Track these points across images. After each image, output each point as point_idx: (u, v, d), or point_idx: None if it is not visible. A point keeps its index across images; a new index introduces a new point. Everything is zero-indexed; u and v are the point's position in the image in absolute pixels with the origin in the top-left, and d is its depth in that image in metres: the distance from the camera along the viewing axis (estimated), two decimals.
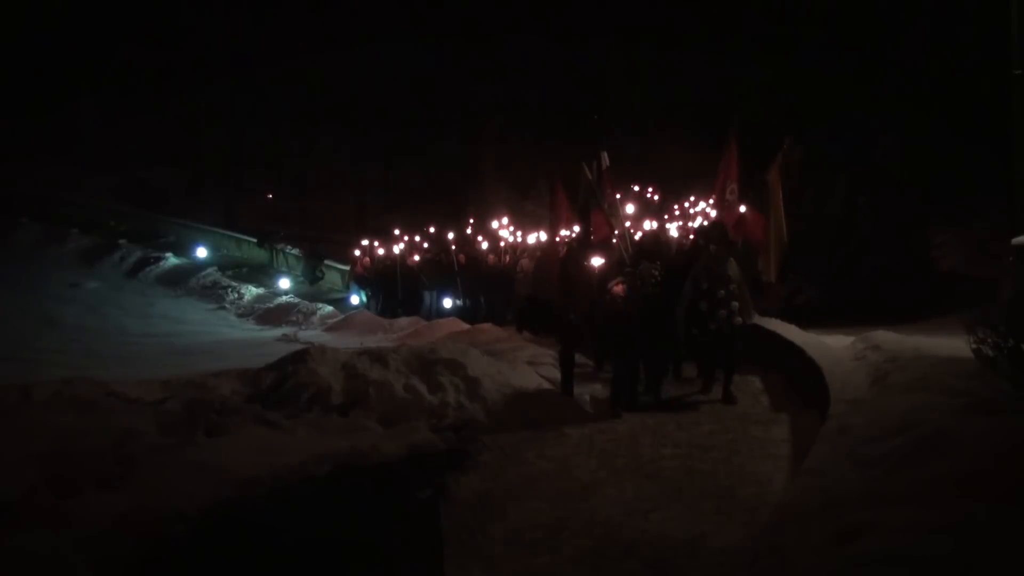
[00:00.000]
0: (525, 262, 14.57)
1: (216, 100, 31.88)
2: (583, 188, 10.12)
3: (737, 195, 10.64)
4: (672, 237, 13.22)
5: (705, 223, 10.91)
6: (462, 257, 16.05)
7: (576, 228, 11.70)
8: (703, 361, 8.70)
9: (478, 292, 15.66)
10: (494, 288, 15.11)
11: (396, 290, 17.36)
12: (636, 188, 21.00)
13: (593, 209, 9.80)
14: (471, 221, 21.23)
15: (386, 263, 18.19)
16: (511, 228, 17.68)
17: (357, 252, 19.49)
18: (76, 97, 34.27)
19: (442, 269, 16.50)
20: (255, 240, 26.53)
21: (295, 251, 24.94)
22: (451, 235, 17.21)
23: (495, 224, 17.70)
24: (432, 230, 19.31)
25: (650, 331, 8.04)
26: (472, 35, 28.77)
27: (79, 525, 4.98)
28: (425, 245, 18.50)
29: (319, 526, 5.47)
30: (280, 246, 25.64)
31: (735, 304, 8.02)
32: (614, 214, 11.00)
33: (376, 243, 19.31)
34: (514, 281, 14.61)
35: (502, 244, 16.26)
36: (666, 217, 17.36)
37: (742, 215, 10.19)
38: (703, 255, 8.36)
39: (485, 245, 16.44)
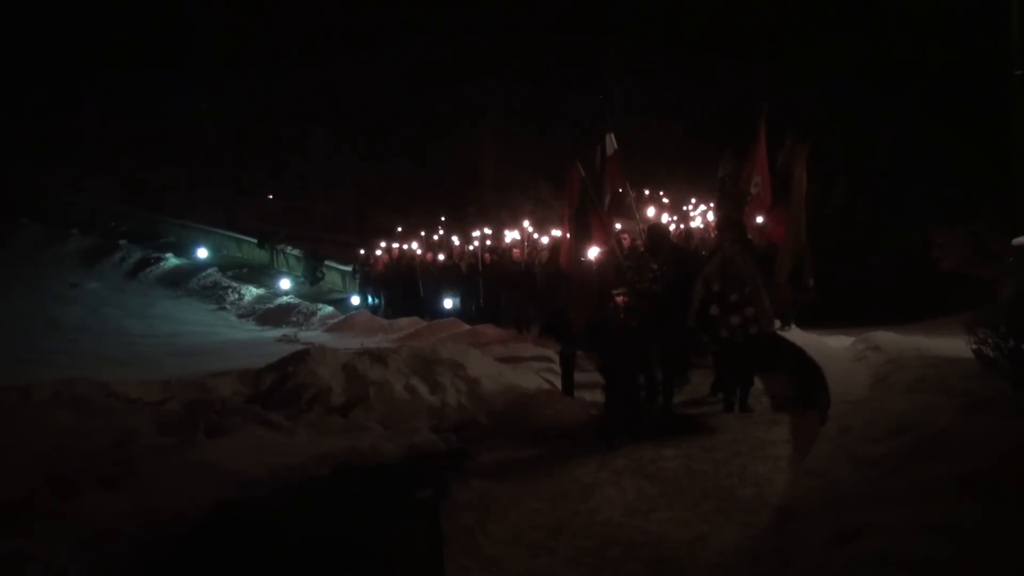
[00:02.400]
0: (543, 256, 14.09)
1: (216, 100, 31.88)
2: (580, 188, 8.79)
3: (762, 188, 9.80)
4: (693, 229, 12.90)
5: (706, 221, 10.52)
6: (488, 257, 15.71)
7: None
8: (719, 372, 7.98)
9: (499, 292, 15.13)
10: (516, 287, 14.51)
11: (417, 290, 17.06)
12: (648, 192, 20.91)
13: (591, 213, 8.60)
14: (443, 219, 21.20)
15: (402, 263, 17.94)
16: (526, 224, 17.35)
17: (379, 252, 19.29)
18: (76, 97, 34.28)
19: (460, 270, 16.25)
20: (255, 241, 26.55)
21: (295, 252, 24.97)
22: (477, 233, 17.01)
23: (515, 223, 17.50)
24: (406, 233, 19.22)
25: (653, 343, 7.31)
26: (471, 34, 28.77)
27: (79, 525, 4.98)
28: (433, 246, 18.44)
29: (319, 526, 5.47)
30: (281, 247, 25.66)
31: (749, 310, 7.22)
32: (623, 210, 10.21)
33: (396, 243, 19.14)
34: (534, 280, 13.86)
35: (526, 243, 15.92)
36: (674, 218, 17.26)
37: (769, 212, 9.36)
38: (716, 253, 7.72)
39: (509, 240, 16.17)
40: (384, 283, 18.39)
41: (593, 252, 8.06)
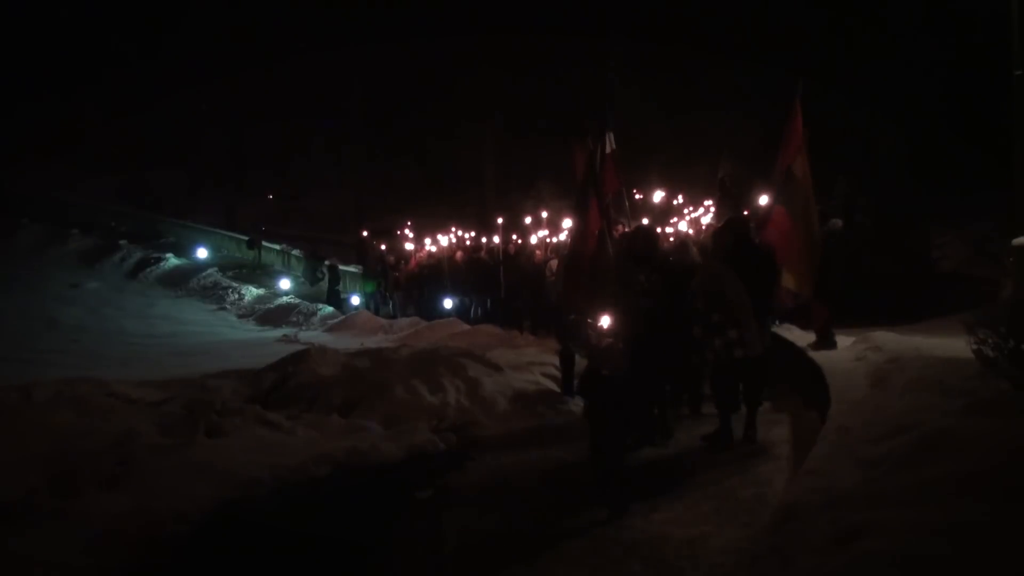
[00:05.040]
0: (554, 263, 12.84)
1: (216, 100, 31.92)
2: (586, 161, 8.00)
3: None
4: (687, 236, 12.61)
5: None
6: (512, 247, 15.22)
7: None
8: (718, 392, 7.12)
9: (519, 293, 14.37)
10: (535, 288, 13.58)
11: (445, 290, 16.33)
12: (663, 194, 20.62)
13: (591, 196, 7.78)
14: (408, 224, 20.60)
15: (431, 263, 17.25)
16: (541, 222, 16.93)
17: (409, 249, 18.73)
18: (77, 97, 34.34)
19: (487, 266, 15.66)
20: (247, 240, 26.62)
21: (296, 252, 24.97)
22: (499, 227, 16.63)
23: (528, 220, 17.12)
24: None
25: (644, 380, 6.32)
26: (473, 33, 28.78)
27: (79, 525, 4.99)
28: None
29: (319, 526, 5.47)
30: (283, 247, 25.69)
31: (732, 333, 6.42)
32: (620, 210, 9.98)
33: (426, 242, 18.39)
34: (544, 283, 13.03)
35: (548, 241, 15.08)
36: (679, 220, 17.14)
37: (772, 216, 8.32)
38: (701, 269, 6.97)
39: (534, 240, 15.88)
40: (416, 285, 17.43)
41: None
